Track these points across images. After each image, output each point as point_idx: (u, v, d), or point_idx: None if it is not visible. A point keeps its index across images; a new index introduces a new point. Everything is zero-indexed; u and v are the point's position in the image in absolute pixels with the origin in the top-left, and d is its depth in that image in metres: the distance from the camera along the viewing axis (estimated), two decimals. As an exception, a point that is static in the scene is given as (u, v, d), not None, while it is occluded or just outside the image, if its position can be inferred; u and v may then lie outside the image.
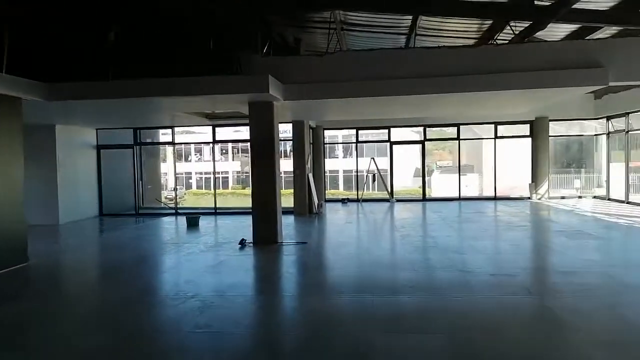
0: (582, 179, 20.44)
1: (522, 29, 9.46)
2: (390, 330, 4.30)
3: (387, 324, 4.47)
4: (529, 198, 15.50)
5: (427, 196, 16.51)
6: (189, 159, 41.20)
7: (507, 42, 10.14)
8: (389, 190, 16.40)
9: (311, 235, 10.02)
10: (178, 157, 37.37)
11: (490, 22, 10.06)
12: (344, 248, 8.21)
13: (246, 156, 39.22)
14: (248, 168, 38.27)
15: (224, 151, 39.33)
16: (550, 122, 15.31)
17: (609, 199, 14.86)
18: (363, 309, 4.92)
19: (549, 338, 4.03)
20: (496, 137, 15.78)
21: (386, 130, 16.42)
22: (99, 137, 14.18)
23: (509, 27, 9.56)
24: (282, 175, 10.74)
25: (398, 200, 16.20)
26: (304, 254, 7.89)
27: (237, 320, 4.73)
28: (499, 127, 15.71)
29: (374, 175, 17.42)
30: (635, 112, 13.12)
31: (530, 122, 15.45)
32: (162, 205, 16.18)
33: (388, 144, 16.50)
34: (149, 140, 16.06)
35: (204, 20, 8.65)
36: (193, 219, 11.45)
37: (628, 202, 13.66)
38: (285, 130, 13.92)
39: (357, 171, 17.20)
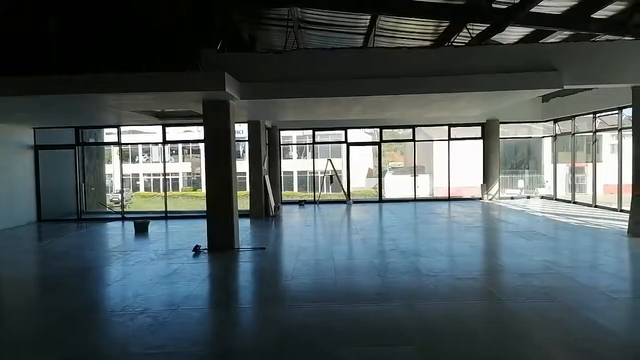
0: (529, 179, 21.27)
1: (479, 32, 9.55)
2: (359, 344, 4.05)
3: (356, 336, 4.21)
4: (481, 199, 15.84)
5: (383, 197, 16.51)
6: (136, 159, 39.55)
7: (464, 44, 10.21)
8: (346, 191, 16.27)
9: (269, 240, 9.66)
10: (124, 158, 35.85)
11: (447, 24, 10.10)
12: (304, 253, 7.90)
13: (197, 157, 38.10)
14: (199, 169, 37.25)
15: (174, 152, 38.06)
16: (500, 125, 15.70)
17: (556, 199, 15.42)
18: (329, 320, 4.64)
19: (521, 343, 3.92)
20: (450, 138, 16.01)
21: (342, 132, 16.29)
22: (36, 136, 13.14)
23: (465, 30, 9.62)
24: (237, 177, 10.29)
25: (355, 202, 16.10)
26: (262, 261, 7.52)
27: (194, 338, 4.33)
28: (451, 129, 15.94)
29: (331, 176, 17.24)
30: (581, 115, 13.66)
31: (482, 125, 15.79)
32: (107, 209, 15.24)
33: (344, 145, 16.38)
34: (92, 140, 15.10)
35: (160, 13, 8.10)
36: (142, 224, 10.77)
37: (574, 202, 14.21)
38: (239, 130, 13.49)
39: (314, 172, 16.95)
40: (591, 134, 13.27)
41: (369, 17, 10.08)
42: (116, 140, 14.13)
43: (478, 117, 15.16)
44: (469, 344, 4.00)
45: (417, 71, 8.21)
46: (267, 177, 13.13)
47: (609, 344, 3.95)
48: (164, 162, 15.06)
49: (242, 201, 12.01)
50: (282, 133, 16.21)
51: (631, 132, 8.76)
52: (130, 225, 11.35)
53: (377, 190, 16.78)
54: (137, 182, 38.75)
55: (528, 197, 17.04)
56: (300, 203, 16.15)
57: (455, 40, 10.27)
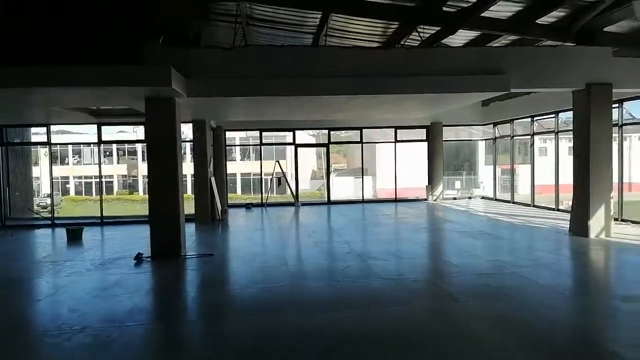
0: (465, 181, 22.08)
1: (428, 35, 9.62)
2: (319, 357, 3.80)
3: (320, 350, 3.94)
4: (426, 199, 16.13)
5: (330, 199, 16.38)
6: (66, 161, 37.01)
7: (414, 46, 10.26)
8: (294, 193, 15.99)
9: (217, 245, 9.19)
10: (54, 159, 33.46)
11: (395, 25, 10.10)
12: (255, 259, 7.53)
13: (133, 159, 36.27)
14: (136, 172, 35.47)
15: (107, 153, 35.98)
16: (443, 127, 16.07)
17: (496, 199, 16.01)
18: (289, 332, 4.33)
19: (494, 346, 3.84)
20: (396, 140, 16.18)
21: (290, 133, 15.99)
22: (-50, 135, 11.82)
23: (415, 32, 9.66)
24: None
25: (303, 204, 15.86)
26: (211, 269, 7.09)
27: (141, 358, 3.89)
28: (397, 131, 16.10)
29: (279, 178, 16.88)
30: (519, 119, 14.24)
31: (427, 127, 16.09)
32: (35, 215, 13.99)
33: (292, 147, 16.09)
34: (17, 140, 13.80)
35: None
36: (75, 231, 9.90)
37: (514, 202, 14.80)
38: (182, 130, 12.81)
39: (261, 174, 16.51)
40: (529, 136, 13.87)
41: (318, 15, 9.88)
42: (45, 140, 13.00)
43: (422, 119, 15.44)
44: (439, 350, 3.86)
45: (371, 71, 8.09)
46: (213, 179, 12.58)
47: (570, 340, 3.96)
48: (100, 163, 14.06)
49: (186, 204, 11.38)
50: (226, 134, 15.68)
51: (567, 135, 9.16)
52: (61, 232, 10.39)
53: (325, 191, 16.63)
54: (67, 186, 36.27)
55: (470, 198, 17.59)
56: (247, 206, 15.67)
57: (405, 43, 10.31)
